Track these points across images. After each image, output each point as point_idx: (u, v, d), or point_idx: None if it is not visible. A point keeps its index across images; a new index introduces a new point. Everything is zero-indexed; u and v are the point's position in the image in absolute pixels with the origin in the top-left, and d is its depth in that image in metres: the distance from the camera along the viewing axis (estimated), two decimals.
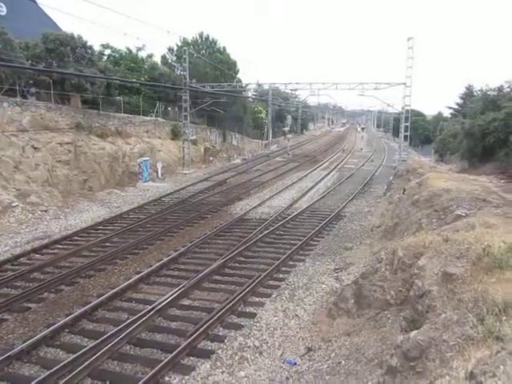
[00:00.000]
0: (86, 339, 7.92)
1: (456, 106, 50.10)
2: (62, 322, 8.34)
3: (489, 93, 29.37)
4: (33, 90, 23.74)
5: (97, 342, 7.53)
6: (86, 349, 7.29)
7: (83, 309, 8.90)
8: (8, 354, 7.11)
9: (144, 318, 8.37)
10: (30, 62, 22.36)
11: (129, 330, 7.91)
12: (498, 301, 4.18)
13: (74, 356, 7.06)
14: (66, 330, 8.21)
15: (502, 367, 3.02)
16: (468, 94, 45.25)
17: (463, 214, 9.84)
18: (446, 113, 56.41)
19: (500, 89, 28.21)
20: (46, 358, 7.40)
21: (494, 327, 3.74)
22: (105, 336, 7.72)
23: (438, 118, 58.42)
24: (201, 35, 42.87)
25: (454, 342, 4.08)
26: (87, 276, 11.10)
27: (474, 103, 32.17)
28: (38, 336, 7.75)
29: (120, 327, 8.03)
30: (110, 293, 9.69)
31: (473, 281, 5.15)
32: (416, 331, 4.96)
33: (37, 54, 23.12)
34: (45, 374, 6.57)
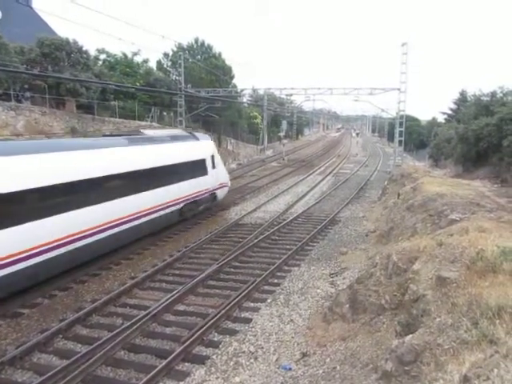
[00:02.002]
0: (80, 345, 7.87)
1: (450, 112, 50.40)
2: (55, 327, 8.28)
3: (482, 98, 29.65)
4: (28, 94, 23.66)
5: (91, 347, 7.48)
6: (79, 354, 7.24)
7: (77, 314, 8.85)
8: (1, 360, 7.05)
9: (138, 324, 8.33)
10: (25, 66, 22.31)
11: (123, 335, 7.86)
12: (491, 304, 4.20)
13: (68, 362, 7.01)
14: (60, 336, 8.16)
15: (495, 370, 3.03)
16: (462, 100, 45.56)
17: (457, 219, 9.90)
18: (441, 118, 56.74)
19: (493, 94, 28.48)
20: (40, 363, 7.34)
21: (488, 331, 3.76)
22: (99, 342, 7.67)
23: (433, 123, 58.77)
24: (196, 40, 42.99)
25: (449, 345, 4.09)
26: (81, 281, 11.03)
27: (468, 108, 32.43)
28: (32, 342, 7.68)
29: (114, 333, 7.98)
30: (105, 298, 9.64)
31: (467, 285, 5.17)
32: (411, 335, 4.97)
33: (32, 59, 23.08)
34: (38, 380, 6.51)
